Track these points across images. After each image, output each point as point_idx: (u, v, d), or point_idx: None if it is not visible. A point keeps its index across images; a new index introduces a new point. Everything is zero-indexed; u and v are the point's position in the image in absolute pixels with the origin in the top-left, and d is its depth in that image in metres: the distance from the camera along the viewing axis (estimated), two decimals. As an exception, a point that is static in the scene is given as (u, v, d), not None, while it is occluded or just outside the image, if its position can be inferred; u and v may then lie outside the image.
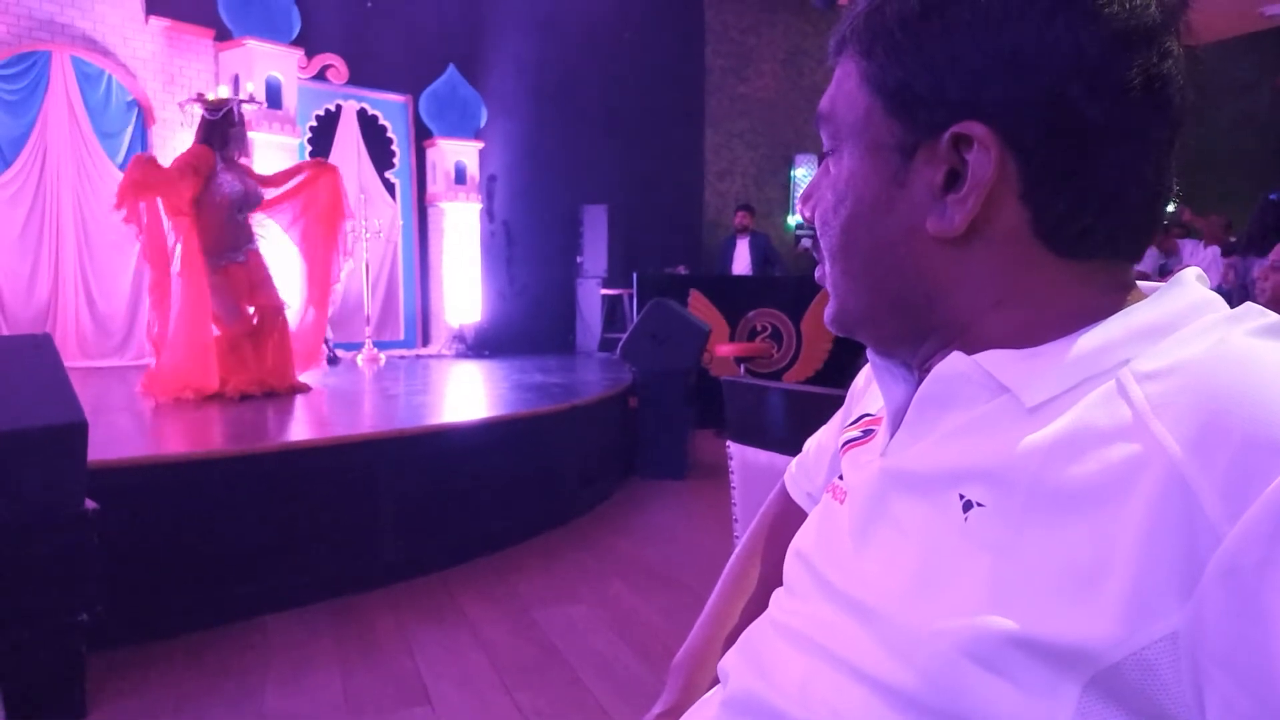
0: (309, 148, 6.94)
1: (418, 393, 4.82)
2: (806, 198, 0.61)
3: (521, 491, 3.68)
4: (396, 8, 7.20)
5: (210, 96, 4.70)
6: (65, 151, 5.85)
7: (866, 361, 0.64)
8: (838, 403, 0.81)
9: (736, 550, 0.91)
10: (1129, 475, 0.43)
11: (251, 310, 4.52)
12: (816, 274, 0.61)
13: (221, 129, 4.42)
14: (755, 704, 0.57)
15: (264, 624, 2.68)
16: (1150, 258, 6.21)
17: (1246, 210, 7.46)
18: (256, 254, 4.61)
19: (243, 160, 4.58)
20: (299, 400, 4.33)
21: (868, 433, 0.66)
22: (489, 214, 7.88)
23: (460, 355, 7.17)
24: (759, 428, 1.38)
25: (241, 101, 4.68)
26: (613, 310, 7.75)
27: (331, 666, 2.41)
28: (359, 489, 3.09)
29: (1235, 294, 3.97)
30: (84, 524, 2.10)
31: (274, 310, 4.57)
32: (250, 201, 4.54)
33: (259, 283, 4.55)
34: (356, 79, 7.17)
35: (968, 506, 0.48)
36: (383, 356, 6.53)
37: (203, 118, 4.47)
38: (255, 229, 4.60)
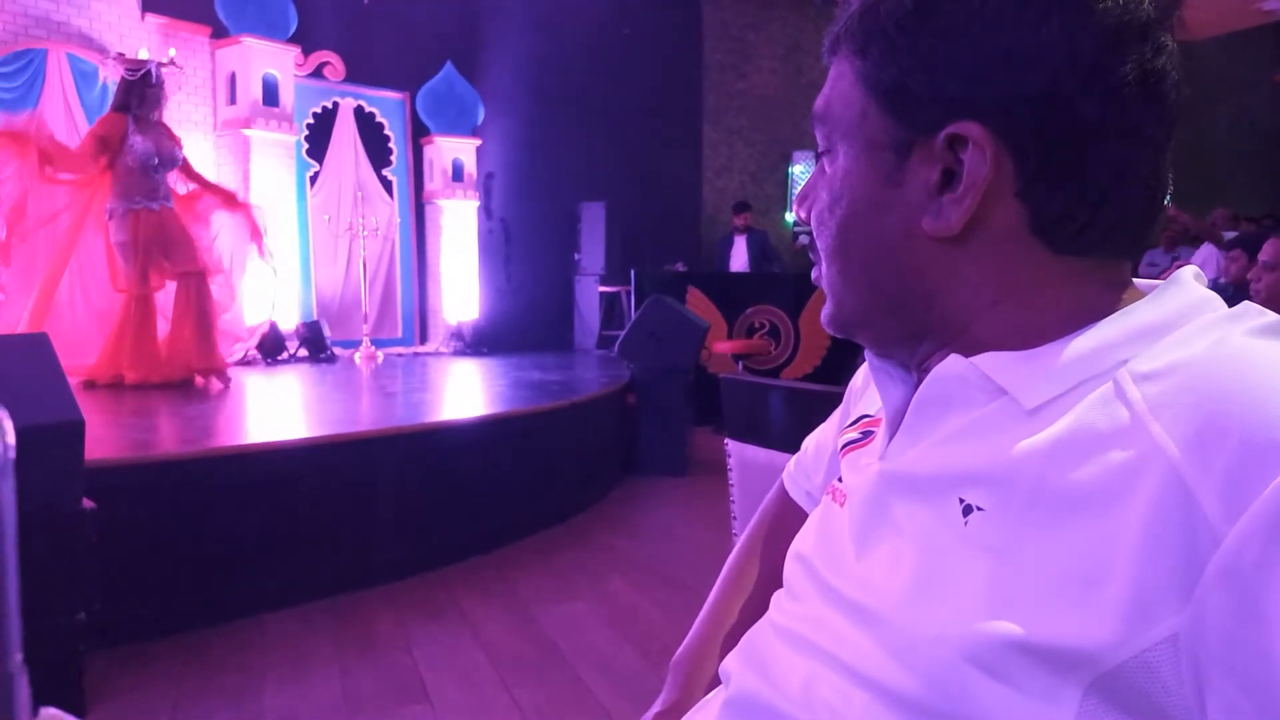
0: (306, 145, 6.93)
1: (416, 390, 4.81)
2: (802, 198, 0.61)
3: (520, 489, 3.68)
4: (393, 5, 7.18)
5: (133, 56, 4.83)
6: (62, 149, 5.83)
7: (865, 360, 0.64)
8: (836, 401, 0.81)
9: (735, 549, 0.91)
10: (1128, 477, 0.43)
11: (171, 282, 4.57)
12: (813, 275, 0.61)
13: (139, 89, 4.56)
14: (757, 705, 0.57)
15: (263, 622, 2.68)
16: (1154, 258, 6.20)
17: (1244, 204, 7.47)
18: (173, 212, 4.62)
19: (158, 120, 4.67)
20: (297, 398, 4.32)
21: (867, 434, 0.66)
22: (486, 211, 7.87)
23: (458, 353, 7.16)
24: (757, 425, 1.38)
25: (160, 64, 4.73)
26: (611, 308, 7.75)
27: (330, 665, 2.41)
28: (357, 487, 3.09)
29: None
30: (82, 523, 2.09)
31: (193, 275, 4.56)
32: (165, 160, 4.60)
33: (173, 242, 4.55)
34: (353, 76, 7.15)
35: (968, 510, 0.48)
36: (380, 354, 6.53)
37: (122, 78, 4.60)
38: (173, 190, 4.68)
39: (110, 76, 5.49)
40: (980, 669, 0.44)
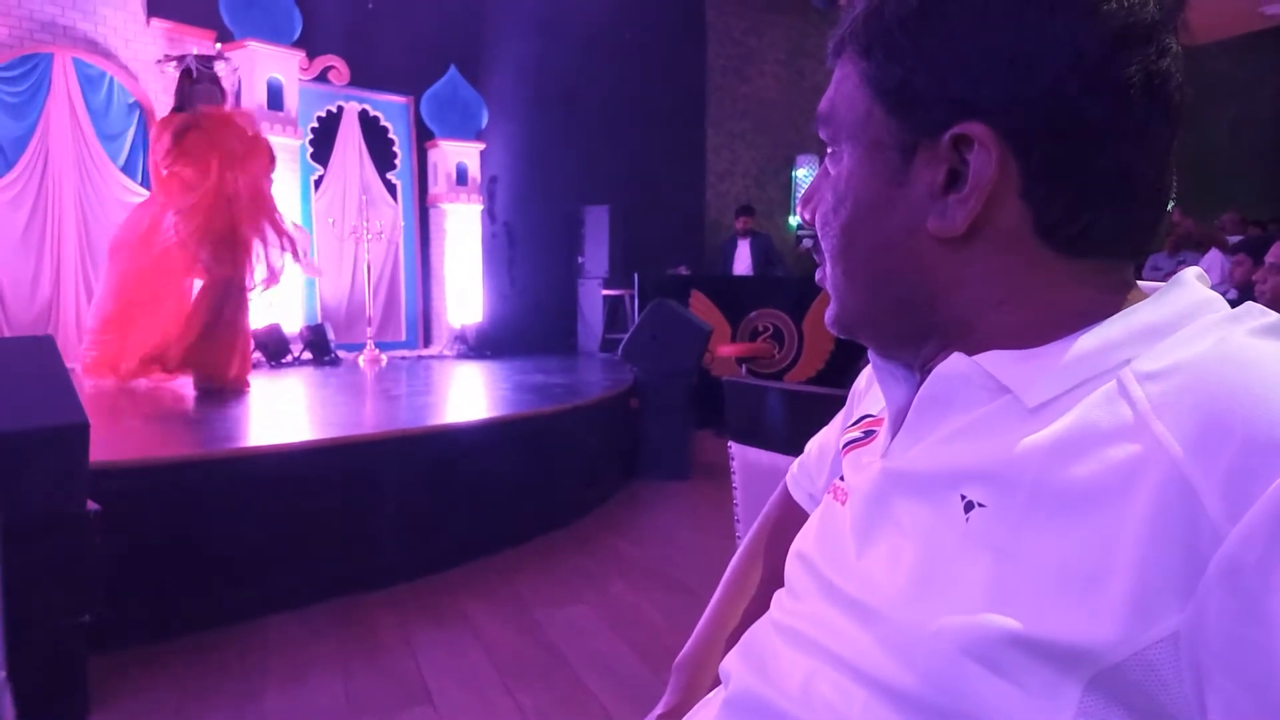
0: (311, 149, 6.94)
1: (420, 393, 4.82)
2: (806, 200, 0.61)
3: (523, 492, 3.67)
4: (398, 9, 7.19)
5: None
6: (67, 154, 5.85)
7: (868, 362, 0.64)
8: (839, 403, 0.81)
9: (738, 552, 0.91)
10: (1130, 476, 0.43)
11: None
12: (817, 276, 0.62)
13: (184, 86, 4.61)
14: (757, 704, 0.57)
15: (266, 625, 2.68)
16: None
17: (1249, 208, 7.45)
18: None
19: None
20: (301, 401, 4.33)
21: (869, 434, 0.66)
22: (490, 215, 7.88)
23: (461, 356, 7.16)
24: (760, 428, 1.38)
25: (202, 57, 4.74)
26: (614, 311, 7.75)
27: (333, 667, 2.41)
28: (361, 490, 3.09)
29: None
30: (86, 525, 2.10)
31: (234, 285, 4.52)
32: None
33: (226, 244, 4.51)
34: (358, 80, 7.16)
35: (969, 507, 0.49)
36: (384, 357, 6.53)
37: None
38: None
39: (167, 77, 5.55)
40: (980, 664, 0.44)
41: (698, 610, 0.89)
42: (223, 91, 4.71)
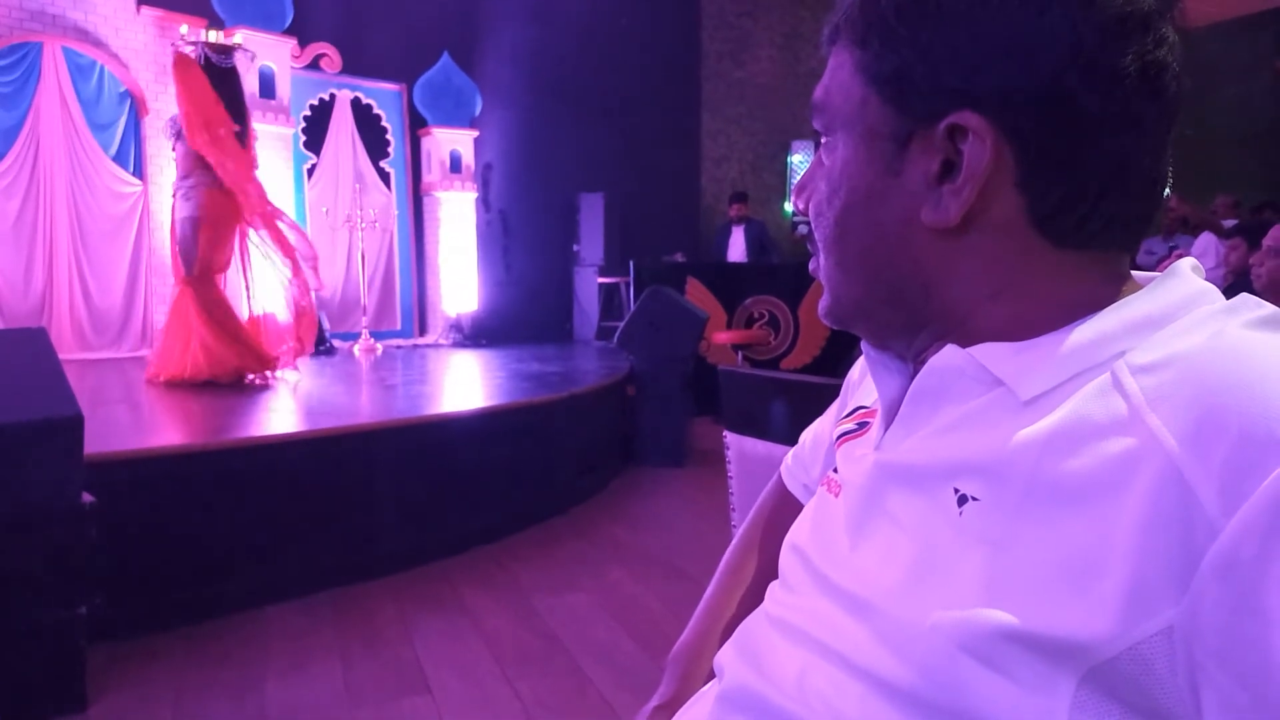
0: (303, 137, 6.91)
1: (416, 383, 4.81)
2: (801, 189, 0.61)
3: (520, 480, 3.68)
4: (390, -5, 7.16)
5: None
6: (58, 143, 5.82)
7: (862, 352, 0.64)
8: (835, 393, 0.80)
9: (733, 542, 0.91)
10: (1125, 469, 0.42)
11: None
12: (810, 266, 0.61)
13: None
14: (751, 698, 0.57)
15: (264, 615, 2.69)
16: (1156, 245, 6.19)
17: (1244, 192, 7.45)
18: (184, 205, 4.46)
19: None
20: (297, 391, 4.32)
21: (862, 425, 0.66)
22: (485, 203, 7.85)
23: (457, 345, 7.16)
24: (756, 418, 1.38)
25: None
26: (610, 298, 7.74)
27: (332, 657, 2.41)
28: (358, 479, 3.09)
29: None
30: (82, 517, 2.09)
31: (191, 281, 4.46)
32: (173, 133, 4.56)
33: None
34: (350, 68, 7.12)
35: (963, 500, 0.48)
36: (379, 347, 6.53)
37: None
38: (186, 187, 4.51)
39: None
40: (975, 658, 0.44)
41: (696, 596, 0.89)
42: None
